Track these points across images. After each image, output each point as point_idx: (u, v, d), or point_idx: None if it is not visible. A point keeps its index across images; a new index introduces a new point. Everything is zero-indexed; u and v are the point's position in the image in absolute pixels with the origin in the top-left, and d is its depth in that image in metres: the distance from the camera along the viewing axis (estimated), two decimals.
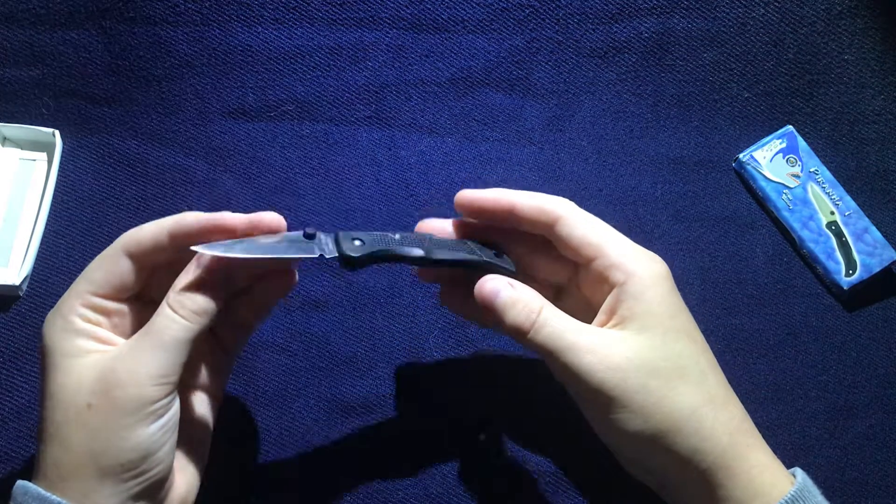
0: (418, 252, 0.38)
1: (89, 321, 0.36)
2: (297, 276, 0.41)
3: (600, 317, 0.38)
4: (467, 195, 0.40)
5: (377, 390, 0.48)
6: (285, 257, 0.37)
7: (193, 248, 0.35)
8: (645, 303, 0.37)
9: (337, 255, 0.37)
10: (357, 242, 0.37)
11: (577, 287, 0.41)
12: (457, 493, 0.46)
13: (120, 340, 0.36)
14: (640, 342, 0.36)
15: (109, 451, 0.33)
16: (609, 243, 0.38)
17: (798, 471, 0.38)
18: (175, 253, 0.37)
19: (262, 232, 0.37)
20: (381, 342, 0.49)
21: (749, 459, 0.36)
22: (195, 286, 0.35)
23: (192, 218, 0.36)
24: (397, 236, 0.39)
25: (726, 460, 0.36)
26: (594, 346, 0.36)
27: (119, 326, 0.37)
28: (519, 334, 0.37)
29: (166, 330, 0.34)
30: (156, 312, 0.35)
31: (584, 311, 0.39)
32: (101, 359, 0.34)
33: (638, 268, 0.37)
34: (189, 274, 0.36)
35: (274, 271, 0.40)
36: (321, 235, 0.38)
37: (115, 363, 0.34)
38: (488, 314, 0.38)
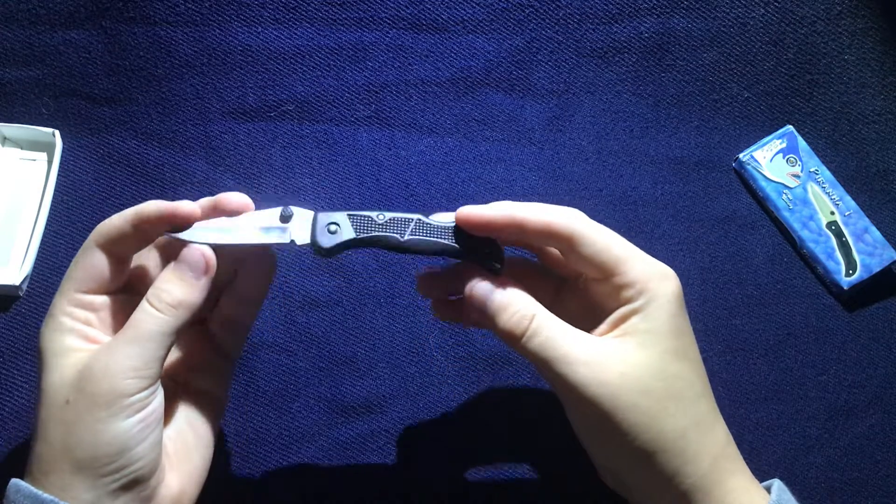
0: (395, 239, 0.37)
1: (77, 319, 0.36)
2: (275, 259, 0.40)
3: (604, 326, 0.37)
4: (470, 212, 0.37)
5: (377, 390, 0.48)
6: (255, 244, 0.37)
7: (164, 236, 0.36)
8: (651, 322, 0.36)
9: (309, 242, 0.37)
10: (333, 227, 0.37)
11: (585, 288, 0.40)
12: (458, 492, 0.46)
13: (105, 337, 0.36)
14: (637, 359, 0.35)
15: (84, 444, 0.33)
16: (625, 260, 0.37)
17: (775, 485, 0.37)
18: (142, 242, 0.37)
19: (226, 214, 0.37)
20: (381, 342, 0.49)
21: (727, 484, 0.36)
22: (173, 279, 0.36)
23: (152, 206, 0.36)
24: (383, 218, 0.37)
25: (705, 484, 0.35)
26: (589, 358, 0.35)
27: (108, 323, 0.37)
28: (511, 340, 0.36)
29: (141, 323, 0.35)
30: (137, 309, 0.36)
31: (585, 312, 0.38)
32: (84, 356, 0.35)
33: (650, 287, 0.36)
34: (169, 268, 0.36)
35: (252, 259, 0.40)
36: (298, 215, 0.37)
37: (93, 358, 0.34)
38: (479, 317, 0.37)
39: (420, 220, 0.38)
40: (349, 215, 0.37)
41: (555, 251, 0.40)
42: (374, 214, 0.37)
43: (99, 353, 0.34)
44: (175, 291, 0.35)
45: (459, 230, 0.37)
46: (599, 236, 0.37)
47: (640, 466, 0.36)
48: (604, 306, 0.38)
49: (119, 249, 0.37)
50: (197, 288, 0.36)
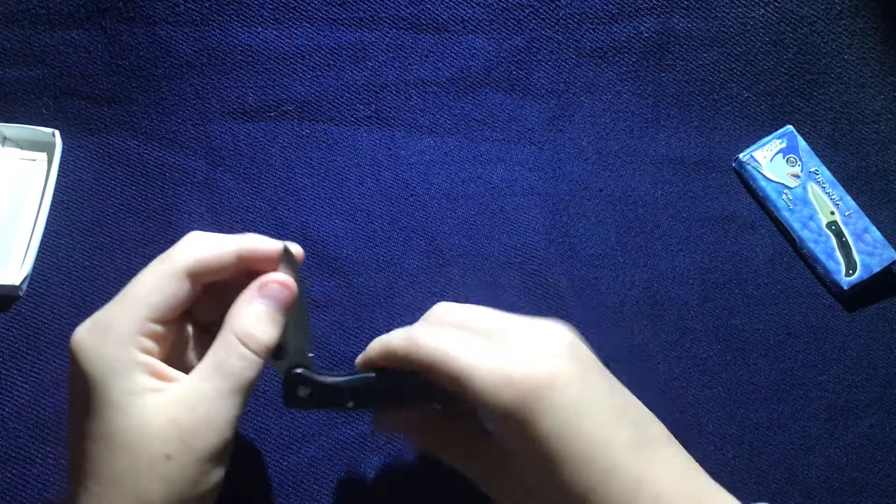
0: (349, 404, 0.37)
1: (147, 351, 0.33)
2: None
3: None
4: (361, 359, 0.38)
5: None
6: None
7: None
8: (494, 441, 0.34)
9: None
10: (302, 389, 0.36)
11: None
12: (458, 492, 0.46)
13: (171, 371, 0.34)
14: (503, 476, 0.35)
15: (187, 498, 0.32)
16: (466, 375, 0.32)
17: None
18: (234, 275, 0.35)
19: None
20: None
21: None
22: (266, 320, 0.34)
23: (266, 245, 0.35)
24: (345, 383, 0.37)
25: None
26: (475, 455, 0.36)
27: (165, 352, 0.35)
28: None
29: (241, 371, 0.33)
30: (220, 347, 0.33)
31: None
32: (166, 401, 0.32)
33: (481, 407, 0.33)
34: (256, 305, 0.34)
35: None
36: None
37: (189, 409, 0.32)
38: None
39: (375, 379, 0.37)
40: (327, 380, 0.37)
41: None
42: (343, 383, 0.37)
43: (197, 404, 0.32)
44: (271, 332, 0.34)
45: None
46: (436, 349, 0.33)
47: None
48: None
49: (208, 279, 0.35)
50: (281, 326, 0.35)
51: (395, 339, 0.35)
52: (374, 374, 0.37)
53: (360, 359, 0.38)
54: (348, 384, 0.37)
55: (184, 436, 0.31)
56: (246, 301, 0.34)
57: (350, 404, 0.37)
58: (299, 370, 0.36)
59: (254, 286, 0.34)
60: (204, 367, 0.33)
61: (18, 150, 0.51)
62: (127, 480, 0.31)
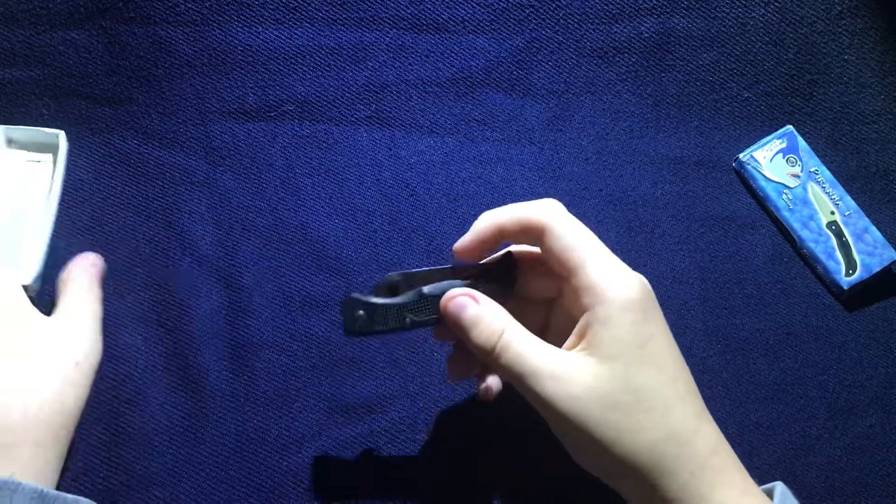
0: (403, 322, 0.39)
1: None
2: None
3: (571, 338, 0.37)
4: (462, 244, 0.40)
5: (378, 391, 0.48)
6: None
7: None
8: (612, 330, 0.35)
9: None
10: (361, 312, 0.38)
11: (561, 302, 0.40)
12: (458, 493, 0.46)
13: None
14: (603, 372, 0.35)
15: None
16: (587, 262, 0.36)
17: (777, 490, 0.37)
18: None
19: None
20: (381, 342, 0.49)
21: (713, 498, 0.35)
22: None
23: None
24: (403, 299, 0.39)
25: (686, 498, 0.34)
26: (556, 373, 0.35)
27: None
28: (484, 355, 0.36)
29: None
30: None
31: (568, 327, 0.38)
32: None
33: (609, 293, 0.35)
34: None
35: None
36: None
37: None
38: (457, 333, 0.37)
39: (424, 295, 0.39)
40: (371, 304, 0.39)
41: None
42: (394, 305, 0.39)
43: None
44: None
45: (465, 275, 0.39)
46: (568, 232, 0.37)
47: (619, 477, 0.36)
48: (572, 315, 0.37)
49: None
50: None
51: (531, 210, 0.38)
52: (422, 289, 0.38)
53: (461, 242, 0.40)
54: (404, 301, 0.39)
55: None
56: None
57: (407, 320, 0.39)
58: (355, 294, 0.38)
59: None
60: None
61: (24, 151, 0.51)
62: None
